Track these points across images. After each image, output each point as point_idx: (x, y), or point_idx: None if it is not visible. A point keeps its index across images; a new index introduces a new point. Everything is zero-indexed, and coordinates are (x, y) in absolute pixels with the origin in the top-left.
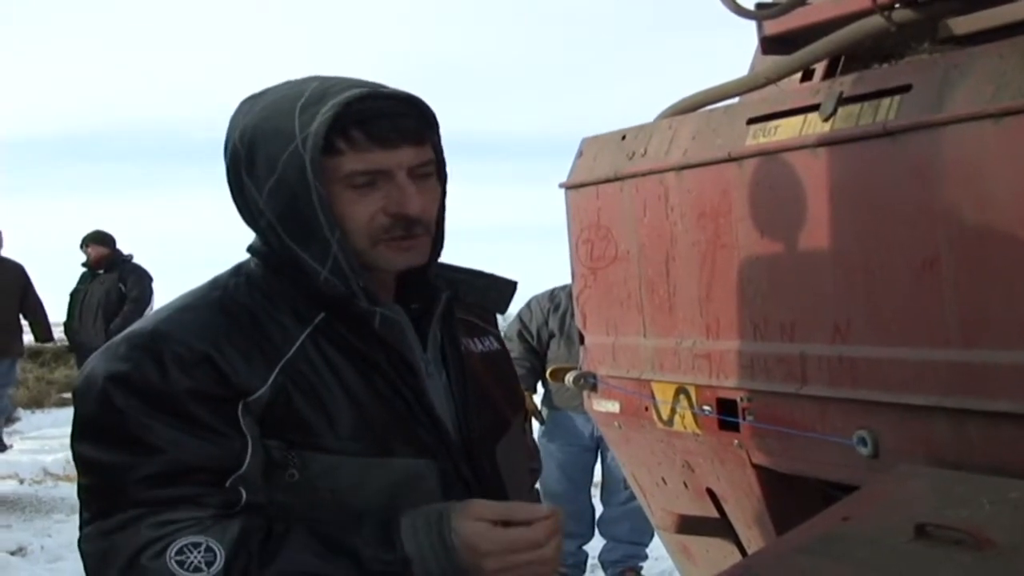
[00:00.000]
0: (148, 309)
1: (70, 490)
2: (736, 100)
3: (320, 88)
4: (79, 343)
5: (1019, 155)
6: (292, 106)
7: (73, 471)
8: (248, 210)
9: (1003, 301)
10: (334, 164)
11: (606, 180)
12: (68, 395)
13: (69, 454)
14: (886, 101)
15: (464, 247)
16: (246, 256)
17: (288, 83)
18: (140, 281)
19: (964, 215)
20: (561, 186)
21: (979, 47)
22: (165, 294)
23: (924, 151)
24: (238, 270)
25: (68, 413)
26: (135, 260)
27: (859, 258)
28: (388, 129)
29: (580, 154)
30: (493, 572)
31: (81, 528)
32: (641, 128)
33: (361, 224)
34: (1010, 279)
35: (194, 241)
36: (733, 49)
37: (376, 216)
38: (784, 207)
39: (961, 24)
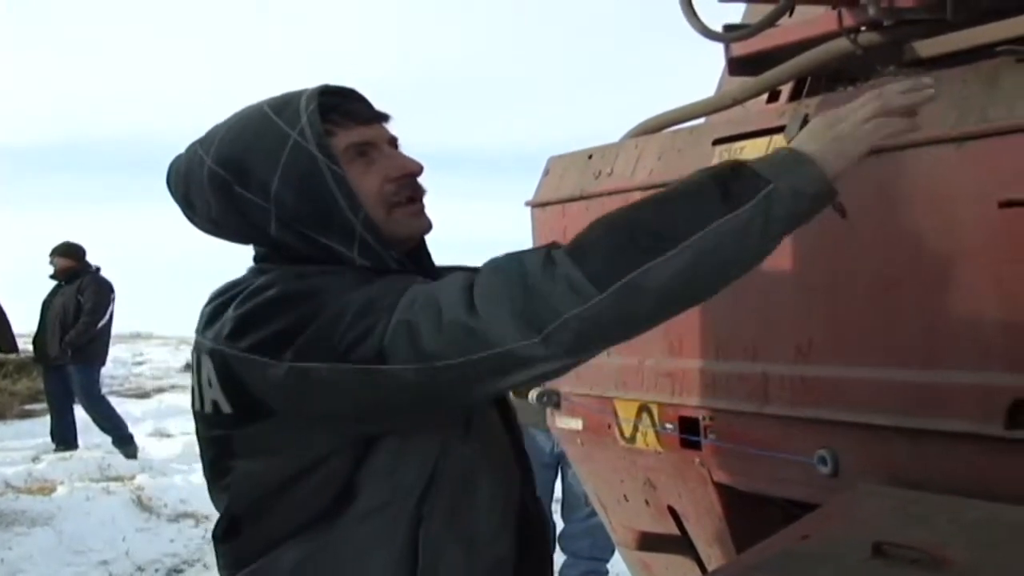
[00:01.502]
0: (105, 320)
1: (31, 503)
2: (702, 120)
3: (275, 99)
4: (43, 354)
5: (980, 180)
6: (263, 116)
7: (35, 483)
8: (250, 224)
9: (963, 322)
10: (332, 144)
11: (572, 199)
12: (31, 407)
13: (31, 466)
14: None
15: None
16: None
17: (232, 115)
18: (96, 293)
19: (926, 238)
20: (527, 204)
21: (943, 71)
22: (146, 304)
23: (887, 174)
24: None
25: (31, 425)
26: (102, 272)
27: (822, 278)
28: (360, 110)
29: (546, 172)
30: (865, 119)
31: None
32: (607, 147)
33: (373, 193)
34: (970, 301)
35: (171, 252)
36: (702, 67)
37: (383, 185)
38: None
39: (926, 47)
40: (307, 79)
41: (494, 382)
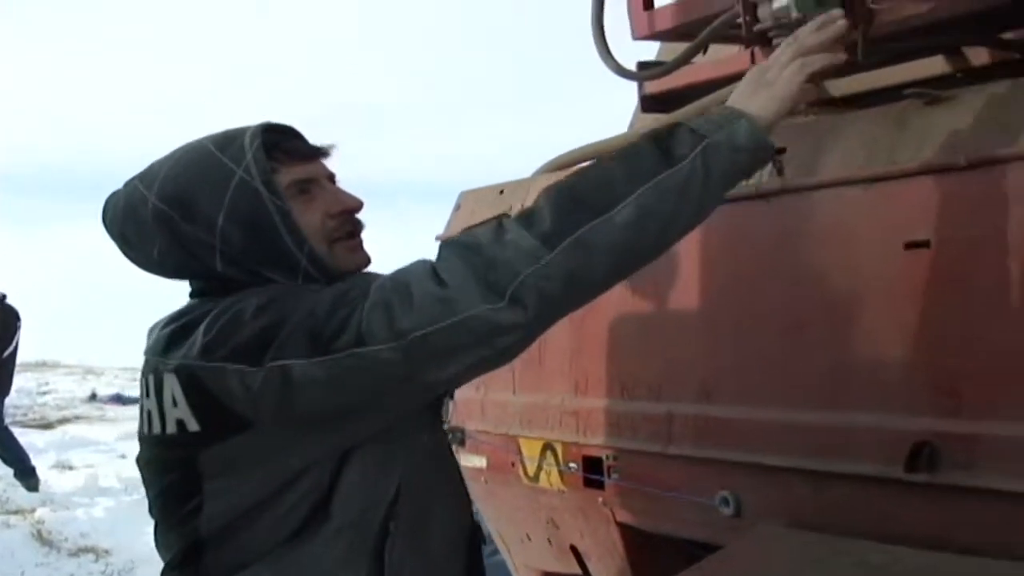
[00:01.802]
0: (9, 350)
1: None
2: None
3: (218, 136)
4: None
5: (887, 221)
6: (207, 153)
7: None
8: (195, 260)
9: (866, 364)
10: (276, 181)
11: None
12: None
13: None
14: None
15: None
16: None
17: (172, 152)
18: (1, 323)
19: (832, 279)
20: (438, 239)
21: (853, 113)
22: (53, 332)
23: (796, 214)
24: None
25: None
26: (7, 300)
27: (728, 318)
28: (301, 147)
29: (458, 207)
30: (786, 64)
31: None
32: (519, 183)
33: (315, 228)
34: (874, 343)
35: (81, 279)
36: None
37: (324, 220)
38: (655, 265)
39: (838, 86)
40: (227, 104)
41: (468, 353)
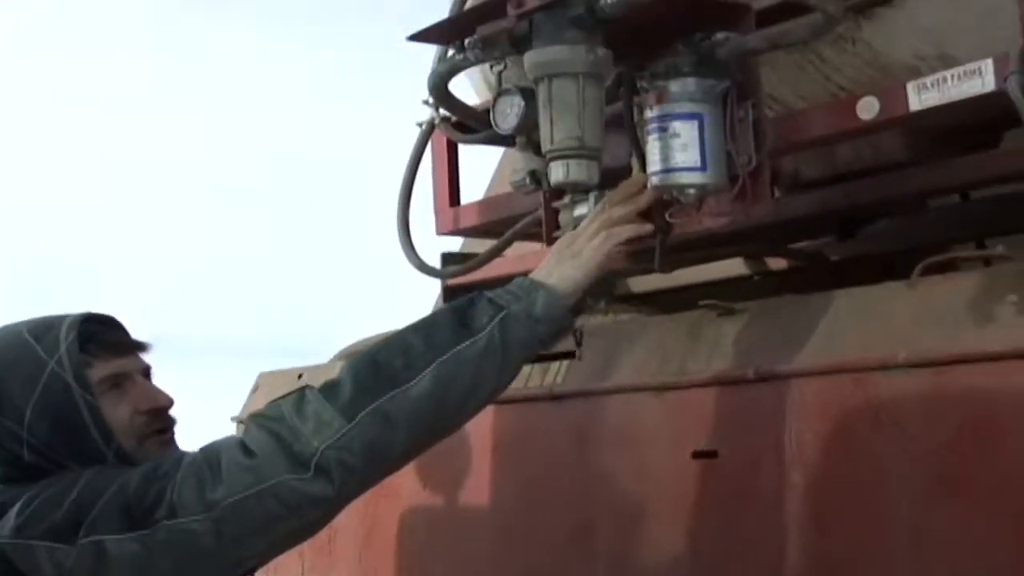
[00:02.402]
0: None
1: None
2: None
3: (36, 323)
4: None
5: (677, 429)
6: (22, 341)
7: None
8: (1, 446)
9: (652, 569)
10: (88, 375)
11: None
12: None
13: None
14: (555, 365)
15: None
16: None
17: None
18: None
19: (621, 484)
20: (234, 419)
21: (648, 318)
22: None
23: (588, 418)
24: None
25: None
26: None
27: (518, 518)
28: (117, 340)
29: (255, 388)
30: (593, 235)
31: None
32: (317, 368)
33: (125, 424)
34: (662, 550)
35: None
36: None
37: (134, 416)
38: (448, 459)
39: (638, 283)
40: None
41: (278, 524)
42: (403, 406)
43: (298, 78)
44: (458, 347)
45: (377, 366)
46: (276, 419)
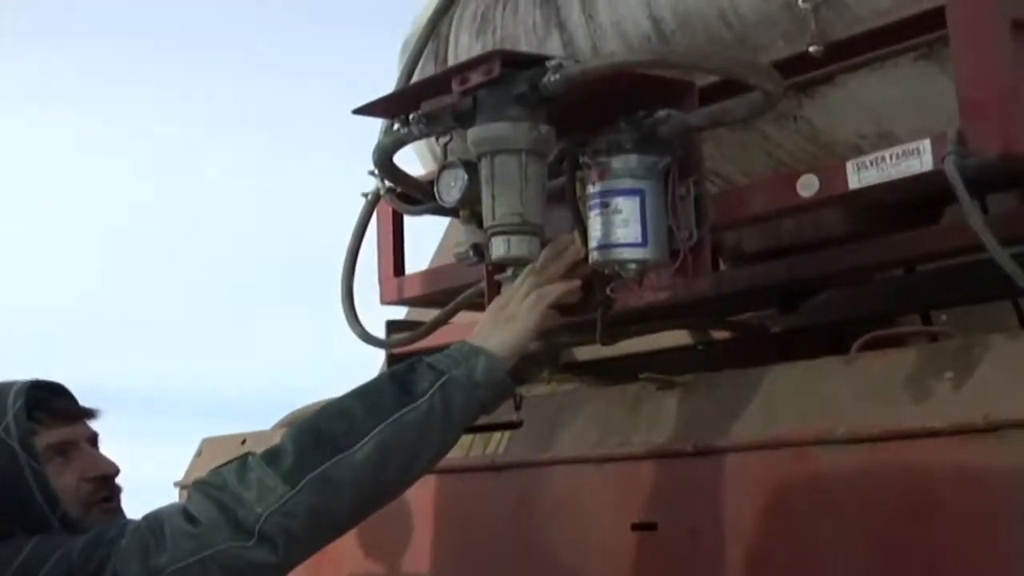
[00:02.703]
0: None
1: None
2: None
3: None
4: None
5: (617, 501)
6: None
7: None
8: None
9: None
10: (35, 443)
11: None
12: None
13: None
14: (497, 435)
15: None
16: None
17: None
18: None
19: (562, 555)
20: (176, 484)
21: (590, 390)
22: None
23: (529, 488)
24: None
25: None
26: None
27: None
28: (64, 407)
29: (199, 454)
30: (524, 296)
31: None
32: (260, 434)
33: (71, 492)
34: None
35: None
36: None
37: (80, 484)
38: (391, 527)
39: (581, 351)
40: None
41: None
42: (347, 471)
43: (249, 144)
44: (400, 412)
45: (319, 432)
46: (219, 486)
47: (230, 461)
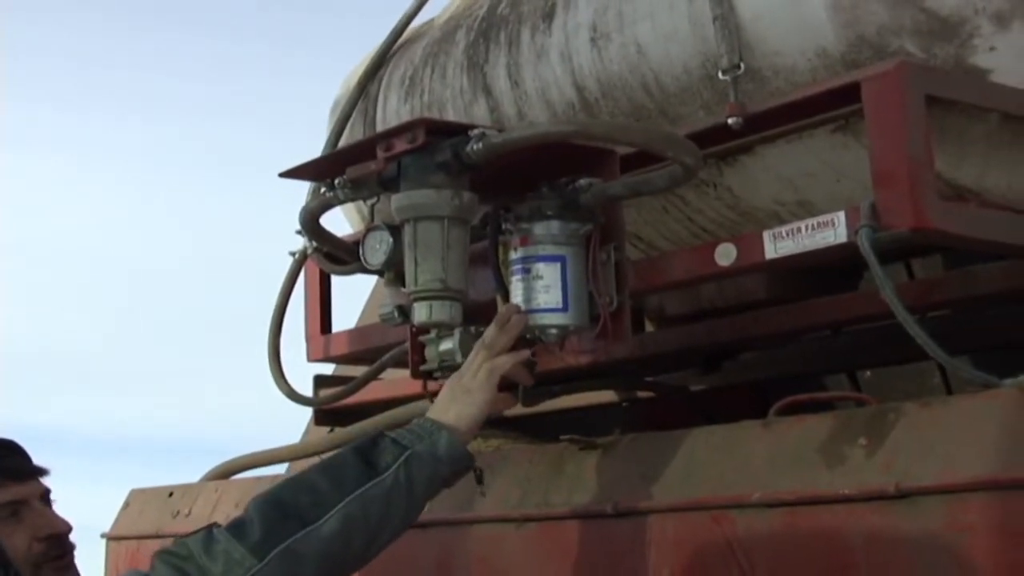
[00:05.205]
0: None
1: None
2: (286, 466)
3: None
4: None
5: (538, 561)
6: None
7: None
8: None
9: None
10: None
11: (149, 536)
12: None
13: None
14: None
15: None
16: None
17: None
18: None
19: None
20: (103, 536)
21: (513, 448)
22: None
23: (451, 546)
24: None
25: None
26: None
27: None
28: (17, 466)
29: (126, 505)
30: (477, 370)
31: None
32: (189, 487)
33: (22, 553)
34: None
35: None
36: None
37: (32, 543)
38: None
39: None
40: None
41: None
42: (313, 545)
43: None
44: (365, 487)
45: (285, 505)
46: (184, 556)
47: (194, 532)
